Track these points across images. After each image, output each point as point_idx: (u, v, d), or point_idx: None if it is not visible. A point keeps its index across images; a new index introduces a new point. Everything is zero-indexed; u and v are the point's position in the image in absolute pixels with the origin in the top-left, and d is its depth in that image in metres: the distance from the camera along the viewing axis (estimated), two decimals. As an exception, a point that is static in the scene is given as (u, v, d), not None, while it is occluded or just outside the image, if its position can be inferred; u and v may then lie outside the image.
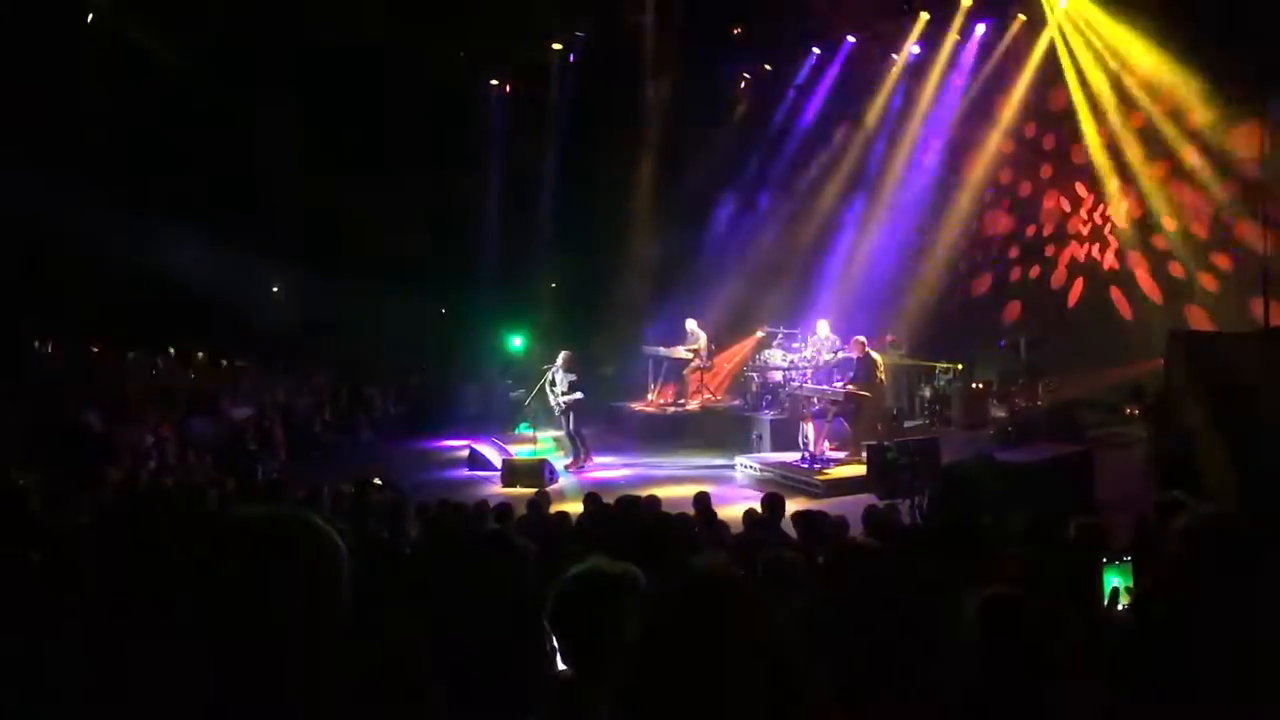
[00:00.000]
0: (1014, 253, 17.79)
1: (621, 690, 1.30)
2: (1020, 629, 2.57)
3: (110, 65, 16.34)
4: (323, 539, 1.68)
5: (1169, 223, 15.32)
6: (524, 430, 16.20)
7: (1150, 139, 15.27)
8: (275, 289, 21.91)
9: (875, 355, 14.05)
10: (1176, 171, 15.10)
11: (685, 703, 1.24)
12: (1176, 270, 15.26)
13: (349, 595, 1.66)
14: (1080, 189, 16.72)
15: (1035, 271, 17.40)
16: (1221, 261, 14.70)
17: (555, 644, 2.28)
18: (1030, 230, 17.57)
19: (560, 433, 15.50)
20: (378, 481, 10.36)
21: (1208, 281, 14.86)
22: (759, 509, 7.94)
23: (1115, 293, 16.11)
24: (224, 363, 20.99)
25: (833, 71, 18.98)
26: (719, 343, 18.00)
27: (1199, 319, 14.66)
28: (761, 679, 1.28)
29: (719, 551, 5.32)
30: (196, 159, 18.59)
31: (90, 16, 16.01)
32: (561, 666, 2.30)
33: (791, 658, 1.32)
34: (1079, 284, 16.72)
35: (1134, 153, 15.47)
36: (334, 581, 1.66)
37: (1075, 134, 16.30)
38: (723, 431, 16.17)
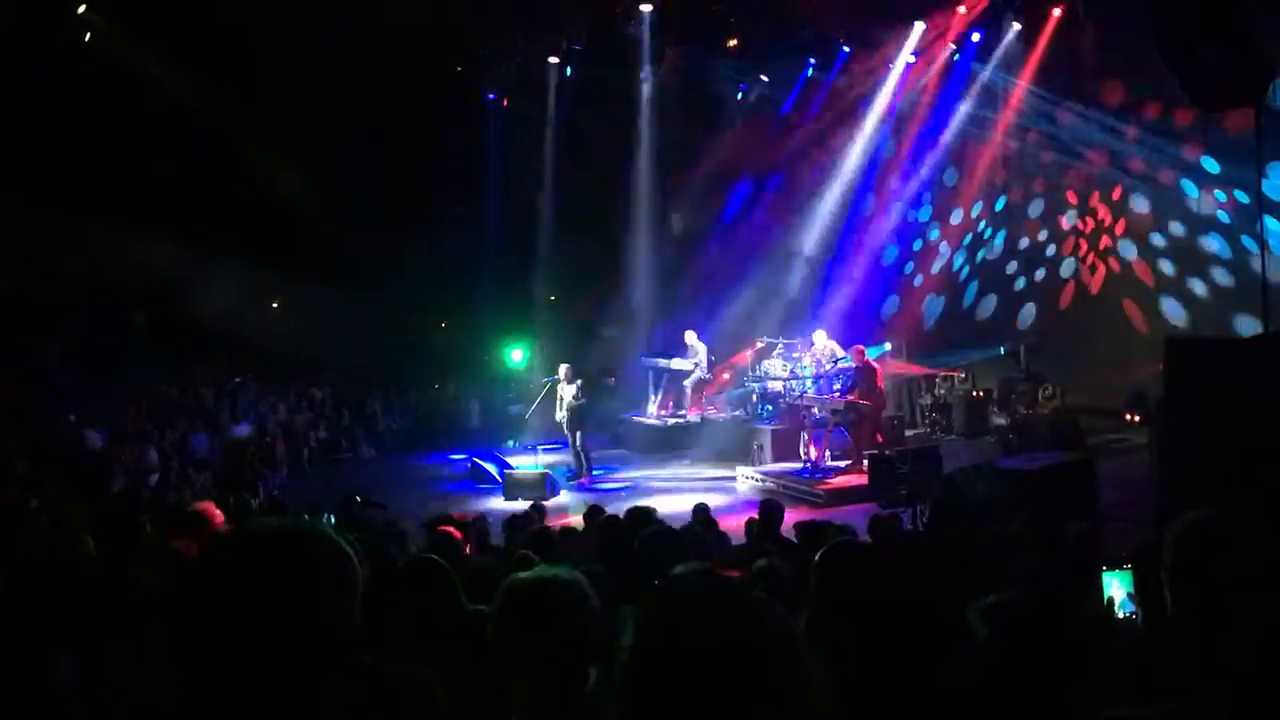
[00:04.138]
0: (1014, 258, 17.81)
1: (623, 700, 1.31)
2: (1024, 635, 2.58)
3: (109, 86, 16.40)
4: (337, 551, 1.69)
5: (1167, 228, 15.39)
6: (516, 444, 16.15)
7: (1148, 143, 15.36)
8: (274, 304, 21.91)
9: (874, 364, 14.06)
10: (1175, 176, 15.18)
11: (686, 710, 1.26)
12: (1175, 276, 15.29)
13: (360, 607, 1.67)
14: (1080, 194, 16.74)
15: (1035, 277, 17.41)
16: (1219, 267, 14.73)
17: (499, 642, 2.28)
18: (1031, 236, 17.58)
19: (566, 444, 15.42)
20: (359, 499, 10.11)
21: (1204, 288, 14.89)
22: (758, 519, 7.93)
23: (1115, 299, 16.12)
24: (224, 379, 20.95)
25: (829, 82, 19.04)
26: (717, 354, 18.01)
27: (1197, 324, 14.66)
28: (763, 687, 1.29)
29: (720, 559, 5.32)
30: (192, 176, 18.63)
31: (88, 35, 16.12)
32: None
33: (794, 665, 1.33)
34: (1079, 290, 16.71)
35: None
36: (349, 593, 1.67)
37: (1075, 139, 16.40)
38: (724, 442, 16.16)
